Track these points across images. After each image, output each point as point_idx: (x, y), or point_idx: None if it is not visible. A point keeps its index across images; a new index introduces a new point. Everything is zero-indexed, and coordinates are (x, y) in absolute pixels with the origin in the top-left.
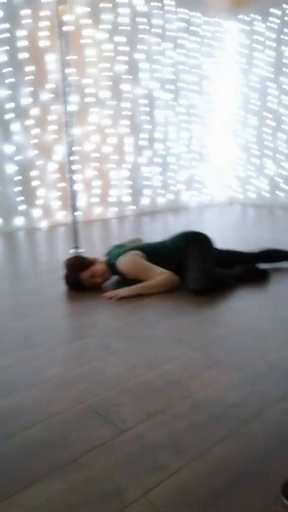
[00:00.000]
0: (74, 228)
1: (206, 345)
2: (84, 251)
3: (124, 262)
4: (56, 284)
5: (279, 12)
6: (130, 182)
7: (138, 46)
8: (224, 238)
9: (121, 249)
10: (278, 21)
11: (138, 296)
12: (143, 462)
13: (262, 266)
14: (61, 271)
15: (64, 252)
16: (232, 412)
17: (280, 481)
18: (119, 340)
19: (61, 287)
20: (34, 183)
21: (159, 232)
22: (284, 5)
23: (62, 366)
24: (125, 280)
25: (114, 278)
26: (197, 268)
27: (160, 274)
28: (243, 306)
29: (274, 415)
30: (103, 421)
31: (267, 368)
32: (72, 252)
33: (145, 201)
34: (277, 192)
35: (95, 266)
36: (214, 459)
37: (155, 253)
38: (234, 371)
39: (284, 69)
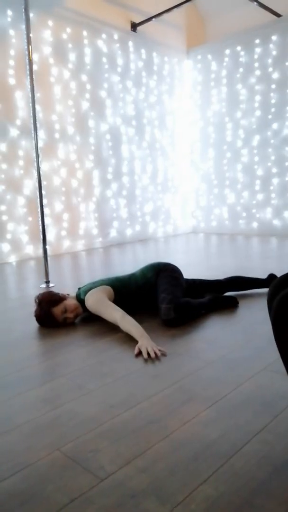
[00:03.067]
0: (44, 262)
1: (182, 379)
2: (54, 286)
3: (87, 299)
4: (27, 321)
5: (232, 52)
6: (98, 215)
7: (102, 84)
8: (190, 266)
9: (91, 285)
10: (231, 60)
11: (114, 330)
12: None
13: (230, 293)
14: (32, 307)
15: (35, 287)
16: (212, 450)
17: None
18: (94, 379)
19: (33, 323)
20: (2, 218)
21: (128, 263)
22: (238, 48)
23: (34, 411)
24: (94, 315)
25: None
26: (167, 299)
27: (115, 317)
28: (215, 335)
29: (254, 448)
30: (80, 470)
31: (244, 399)
32: (42, 286)
33: (113, 233)
34: (237, 220)
35: (67, 301)
36: (198, 503)
37: (124, 286)
38: (211, 405)
39: (239, 105)
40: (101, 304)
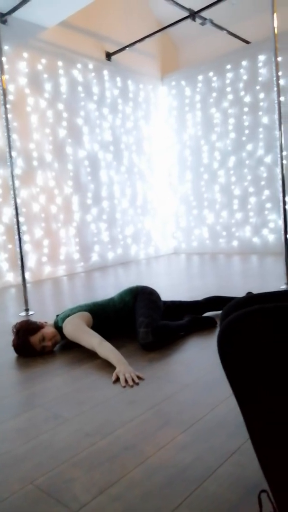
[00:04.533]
0: (23, 289)
1: (158, 404)
2: (34, 313)
3: (65, 327)
4: (5, 350)
5: (204, 78)
6: (79, 240)
7: (78, 112)
8: (172, 287)
9: (69, 312)
10: (204, 86)
11: (91, 357)
12: None
13: (208, 314)
14: (11, 336)
15: (14, 315)
16: (186, 474)
17: None
18: (70, 408)
19: (11, 353)
20: None
21: (110, 287)
22: (210, 73)
23: (9, 443)
24: (72, 342)
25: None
26: (145, 323)
27: (93, 344)
28: (192, 358)
29: (227, 471)
30: (53, 502)
31: (219, 422)
32: (22, 314)
33: (94, 257)
34: (217, 239)
35: (45, 330)
36: None
37: (102, 311)
38: (187, 429)
39: (213, 128)
40: (79, 331)
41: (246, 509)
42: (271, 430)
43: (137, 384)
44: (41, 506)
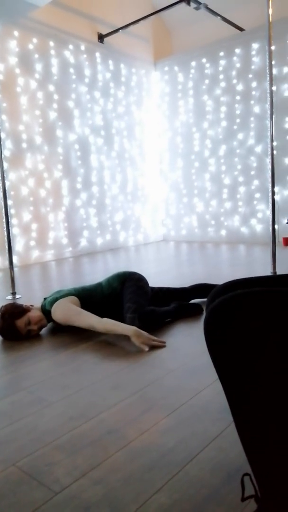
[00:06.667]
0: (10, 273)
1: (143, 388)
2: (21, 297)
3: (54, 311)
4: None
5: (197, 64)
6: (67, 224)
7: (69, 94)
8: (160, 274)
9: (57, 295)
10: (197, 72)
11: (78, 341)
12: None
13: (195, 301)
14: None
15: (1, 298)
16: (168, 458)
17: None
18: (54, 392)
19: None
20: None
21: (98, 272)
22: (203, 60)
23: None
24: (60, 327)
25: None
26: (132, 309)
27: (91, 323)
28: (178, 343)
29: (209, 455)
30: (35, 484)
31: (203, 406)
32: (8, 298)
33: (83, 242)
34: (206, 228)
35: (31, 313)
36: None
37: (90, 296)
38: (170, 414)
39: (205, 116)
40: (71, 313)
41: (227, 493)
42: (257, 415)
43: (159, 342)
44: (23, 487)
